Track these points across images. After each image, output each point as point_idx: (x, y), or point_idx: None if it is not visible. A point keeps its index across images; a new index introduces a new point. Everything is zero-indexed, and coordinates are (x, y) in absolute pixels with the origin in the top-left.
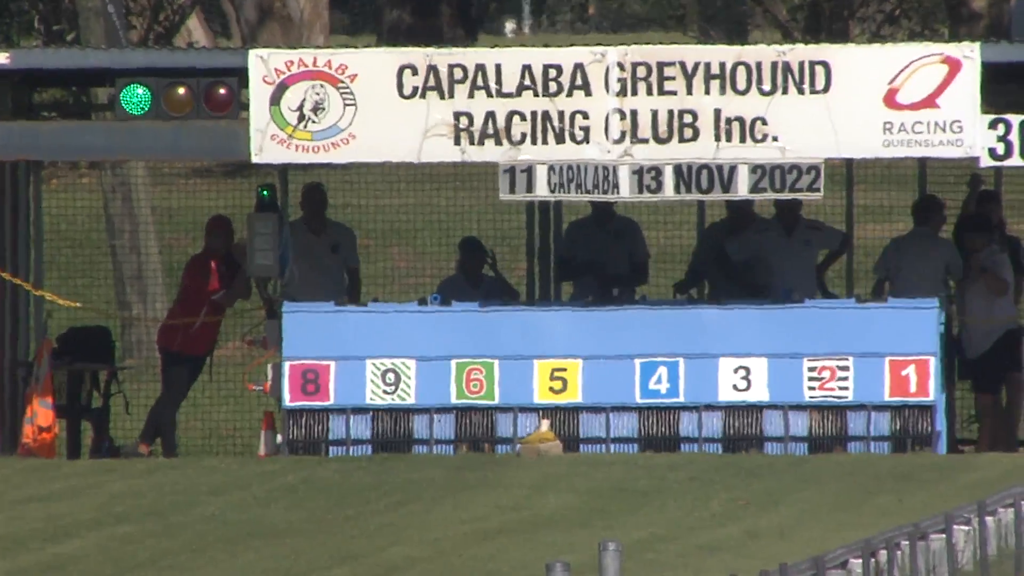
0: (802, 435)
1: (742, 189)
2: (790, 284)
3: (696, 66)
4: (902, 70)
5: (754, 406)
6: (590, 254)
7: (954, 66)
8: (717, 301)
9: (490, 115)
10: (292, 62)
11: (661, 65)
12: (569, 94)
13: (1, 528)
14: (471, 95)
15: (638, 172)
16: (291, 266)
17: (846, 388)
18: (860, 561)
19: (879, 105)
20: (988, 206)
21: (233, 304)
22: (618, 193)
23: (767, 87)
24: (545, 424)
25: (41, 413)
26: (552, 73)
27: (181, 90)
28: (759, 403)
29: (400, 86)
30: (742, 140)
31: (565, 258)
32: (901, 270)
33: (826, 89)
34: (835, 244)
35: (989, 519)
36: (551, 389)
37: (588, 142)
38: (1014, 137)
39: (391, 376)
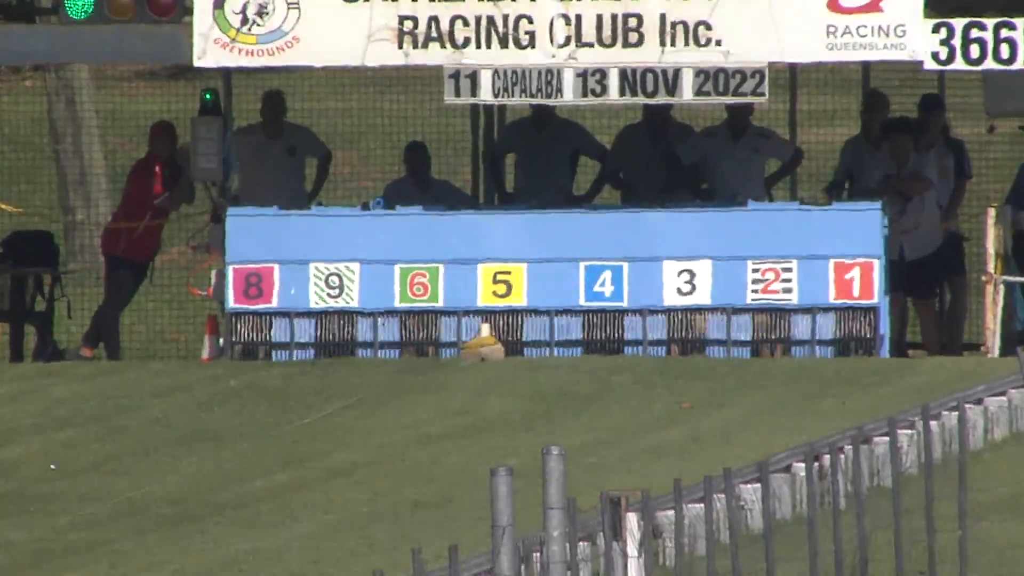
0: (745, 339)
1: (686, 93)
2: (735, 189)
3: None
4: None
5: (698, 309)
6: (527, 156)
7: None
8: (661, 204)
9: (434, 19)
10: None
11: None
12: None
13: None
14: None
15: (582, 76)
16: (235, 170)
17: (790, 291)
18: (804, 465)
19: (823, 9)
20: (932, 112)
21: (177, 208)
22: (562, 97)
23: None
24: (486, 328)
25: None
26: None
27: None
28: (703, 306)
29: None
30: (686, 44)
31: (495, 155)
32: None
33: None
34: (785, 156)
35: (933, 423)
36: (495, 293)
37: (533, 46)
38: (957, 42)
39: (335, 280)
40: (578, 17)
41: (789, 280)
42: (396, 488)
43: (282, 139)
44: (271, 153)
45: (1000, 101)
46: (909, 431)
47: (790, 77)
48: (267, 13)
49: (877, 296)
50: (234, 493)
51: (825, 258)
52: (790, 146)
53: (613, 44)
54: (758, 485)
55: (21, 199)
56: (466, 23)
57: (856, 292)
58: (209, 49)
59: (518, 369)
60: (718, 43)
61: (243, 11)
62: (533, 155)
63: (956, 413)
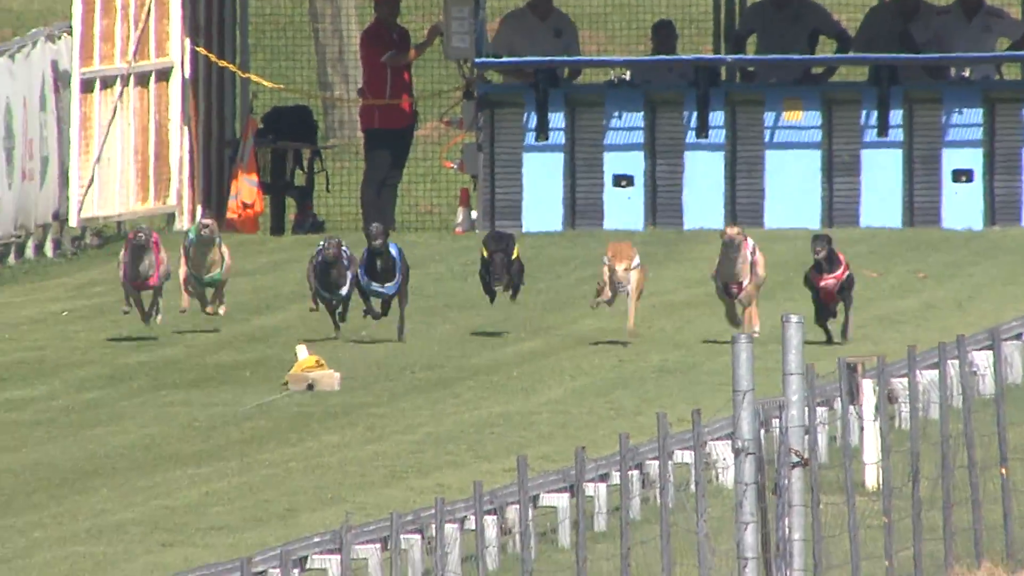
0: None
1: None
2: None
3: None
4: None
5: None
6: (766, 36)
7: None
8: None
9: None
10: None
11: None
12: None
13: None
14: None
15: None
16: (486, 49)
17: None
18: None
19: None
20: None
21: (404, 63)
22: None
23: None
24: (303, 350)
25: (245, 190)
26: None
27: None
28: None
29: None
30: None
31: (738, 36)
32: None
33: None
34: (1017, 35)
35: None
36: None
37: None
38: None
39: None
40: None
41: None
42: (641, 355)
43: (550, 20)
44: (538, 32)
45: None
46: None
47: None
48: None
49: None
50: (486, 359)
51: None
52: (1022, 25)
53: None
54: (990, 352)
55: (282, 76)
56: None
57: None
58: None
59: (758, 240)
60: None
61: None
62: (773, 35)
63: None
